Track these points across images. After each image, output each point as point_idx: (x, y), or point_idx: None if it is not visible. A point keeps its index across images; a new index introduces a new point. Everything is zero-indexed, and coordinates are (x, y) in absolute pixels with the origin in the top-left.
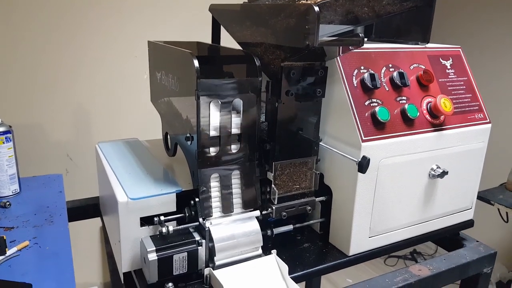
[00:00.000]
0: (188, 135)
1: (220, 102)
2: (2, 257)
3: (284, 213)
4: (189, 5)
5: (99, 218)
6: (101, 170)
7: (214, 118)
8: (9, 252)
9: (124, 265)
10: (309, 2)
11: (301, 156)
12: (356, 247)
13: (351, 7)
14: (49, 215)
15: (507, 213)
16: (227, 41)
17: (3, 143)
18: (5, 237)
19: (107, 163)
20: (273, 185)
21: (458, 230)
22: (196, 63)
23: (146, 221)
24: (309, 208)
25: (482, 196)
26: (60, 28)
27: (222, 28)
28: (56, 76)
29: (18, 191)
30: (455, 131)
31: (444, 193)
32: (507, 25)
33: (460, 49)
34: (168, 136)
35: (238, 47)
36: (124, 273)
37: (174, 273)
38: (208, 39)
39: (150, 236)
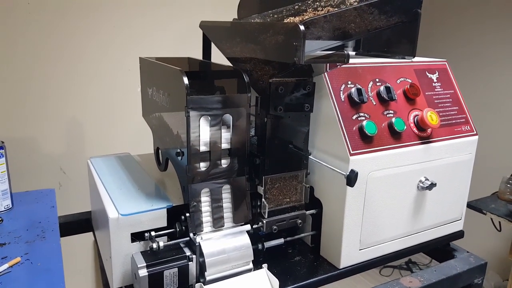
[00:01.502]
0: (178, 150)
1: (210, 118)
2: None
3: (275, 227)
4: (183, 20)
5: (91, 233)
6: (92, 186)
7: (204, 133)
8: (0, 269)
9: (115, 281)
10: (296, 19)
11: (291, 170)
12: (346, 260)
13: (338, 24)
14: (41, 230)
15: (500, 222)
16: (218, 57)
17: None
18: None
19: (98, 178)
20: (263, 199)
21: (448, 241)
22: (185, 80)
23: (137, 236)
24: (300, 221)
25: (474, 206)
26: (53, 41)
27: (212, 44)
28: (49, 89)
29: (11, 206)
30: (442, 143)
31: (433, 205)
32: (492, 37)
33: (446, 63)
34: (160, 151)
35: (228, 63)
36: None
37: None
38: (200, 54)
39: (141, 252)
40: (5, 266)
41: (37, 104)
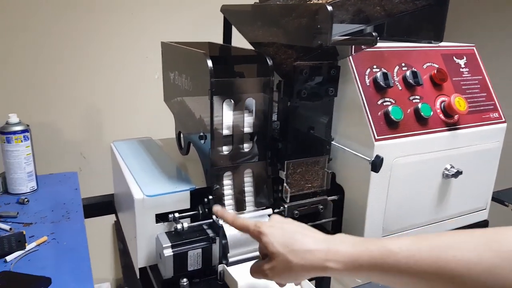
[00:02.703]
0: (201, 134)
1: (233, 102)
2: (22, 251)
3: (296, 212)
4: (198, 6)
5: (110, 216)
6: (116, 168)
7: (227, 117)
8: (28, 247)
9: (140, 261)
10: (320, 1)
11: (313, 155)
12: None
13: (363, 6)
14: (66, 211)
15: None
16: (238, 41)
17: (21, 141)
18: (24, 232)
19: (122, 161)
20: (285, 184)
21: None
22: (209, 63)
23: (161, 217)
24: (321, 207)
25: (496, 197)
26: (75, 30)
27: (233, 29)
28: (69, 77)
29: (36, 188)
30: (470, 130)
31: (458, 193)
32: None
33: (474, 48)
34: (181, 135)
35: (249, 47)
36: (139, 269)
37: (189, 269)
38: (216, 39)
39: (166, 232)
40: (33, 244)
41: (58, 90)
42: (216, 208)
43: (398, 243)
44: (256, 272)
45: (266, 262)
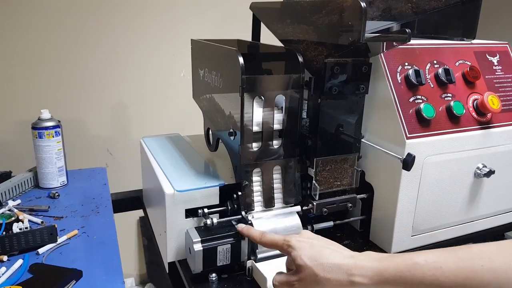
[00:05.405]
0: (231, 130)
1: (263, 98)
2: (54, 244)
3: (325, 209)
4: (224, 4)
5: (133, 212)
6: (146, 164)
7: (257, 114)
8: (60, 240)
9: (169, 256)
10: None
11: (343, 152)
12: (397, 245)
13: (394, 3)
14: (95, 206)
15: None
16: (266, 38)
17: (53, 137)
18: (56, 226)
19: (152, 157)
20: (314, 181)
21: (503, 231)
22: (241, 60)
23: (190, 213)
24: (350, 205)
25: None
26: (103, 29)
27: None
28: (97, 74)
29: (66, 183)
30: (503, 129)
31: (490, 193)
32: None
33: (507, 45)
34: (210, 132)
35: (277, 44)
36: (168, 263)
37: (218, 264)
38: (242, 37)
39: (195, 228)
40: (64, 237)
41: (87, 88)
42: (241, 226)
43: (424, 256)
44: (282, 284)
45: (293, 273)
